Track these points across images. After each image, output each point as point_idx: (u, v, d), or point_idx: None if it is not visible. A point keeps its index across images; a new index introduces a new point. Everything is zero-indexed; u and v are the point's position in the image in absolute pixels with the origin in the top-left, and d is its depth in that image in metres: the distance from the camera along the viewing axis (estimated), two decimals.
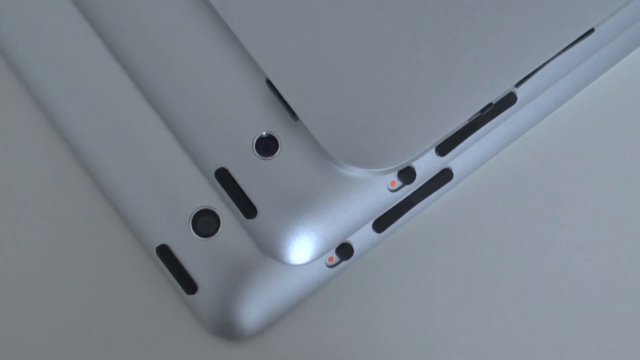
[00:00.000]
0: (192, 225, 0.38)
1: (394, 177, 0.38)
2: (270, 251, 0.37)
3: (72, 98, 0.39)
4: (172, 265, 0.38)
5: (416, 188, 0.39)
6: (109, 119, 0.39)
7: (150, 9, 0.38)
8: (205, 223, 0.38)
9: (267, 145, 0.37)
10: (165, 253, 0.38)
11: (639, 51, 0.43)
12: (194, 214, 0.38)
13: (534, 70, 0.37)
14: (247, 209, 0.37)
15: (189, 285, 0.38)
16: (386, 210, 0.39)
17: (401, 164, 0.36)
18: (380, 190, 0.38)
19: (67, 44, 0.39)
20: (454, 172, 0.40)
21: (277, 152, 0.37)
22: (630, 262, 0.41)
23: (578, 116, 0.42)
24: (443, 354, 0.40)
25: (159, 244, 0.39)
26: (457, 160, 0.40)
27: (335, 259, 0.39)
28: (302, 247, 0.37)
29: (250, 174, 0.37)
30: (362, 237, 0.39)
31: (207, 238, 0.38)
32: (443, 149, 0.38)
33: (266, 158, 0.37)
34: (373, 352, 0.40)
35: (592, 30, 0.37)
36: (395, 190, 0.38)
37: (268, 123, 0.37)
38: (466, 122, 0.37)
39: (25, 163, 0.41)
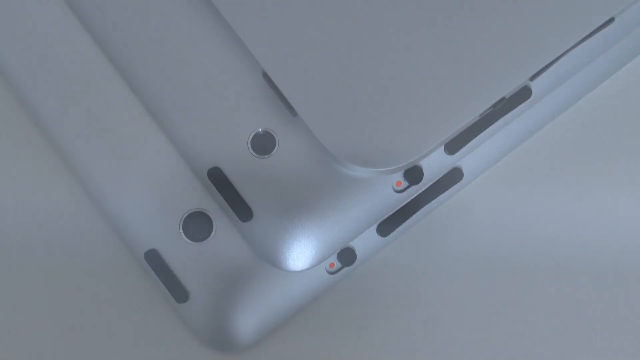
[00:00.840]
0: (183, 229, 0.38)
1: (399, 177, 0.38)
2: (266, 256, 0.37)
3: (58, 95, 0.39)
4: (162, 272, 0.38)
5: (424, 189, 0.39)
6: (96, 114, 0.39)
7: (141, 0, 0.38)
8: (197, 226, 0.38)
9: (263, 143, 0.37)
10: (154, 258, 0.38)
11: None
12: (185, 216, 0.38)
13: (550, 63, 0.37)
14: (242, 211, 0.37)
15: (179, 292, 0.38)
16: (391, 212, 0.39)
17: (407, 163, 0.36)
18: (385, 191, 0.37)
19: (56, 41, 0.39)
20: (464, 171, 0.40)
21: (274, 150, 0.37)
22: None
23: (596, 112, 0.42)
24: None
25: (147, 248, 0.38)
26: (467, 159, 0.40)
27: (337, 264, 0.39)
28: (301, 252, 0.37)
29: (246, 173, 0.37)
30: (366, 242, 0.39)
31: (199, 242, 0.38)
32: (452, 147, 0.38)
33: (263, 157, 0.37)
34: None
35: (612, 20, 0.37)
36: (401, 191, 0.38)
37: (265, 119, 0.37)
38: (477, 118, 0.36)
39: (11, 166, 0.41)
